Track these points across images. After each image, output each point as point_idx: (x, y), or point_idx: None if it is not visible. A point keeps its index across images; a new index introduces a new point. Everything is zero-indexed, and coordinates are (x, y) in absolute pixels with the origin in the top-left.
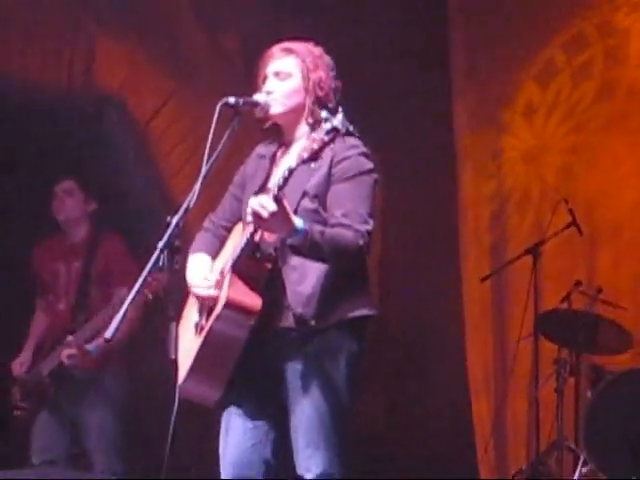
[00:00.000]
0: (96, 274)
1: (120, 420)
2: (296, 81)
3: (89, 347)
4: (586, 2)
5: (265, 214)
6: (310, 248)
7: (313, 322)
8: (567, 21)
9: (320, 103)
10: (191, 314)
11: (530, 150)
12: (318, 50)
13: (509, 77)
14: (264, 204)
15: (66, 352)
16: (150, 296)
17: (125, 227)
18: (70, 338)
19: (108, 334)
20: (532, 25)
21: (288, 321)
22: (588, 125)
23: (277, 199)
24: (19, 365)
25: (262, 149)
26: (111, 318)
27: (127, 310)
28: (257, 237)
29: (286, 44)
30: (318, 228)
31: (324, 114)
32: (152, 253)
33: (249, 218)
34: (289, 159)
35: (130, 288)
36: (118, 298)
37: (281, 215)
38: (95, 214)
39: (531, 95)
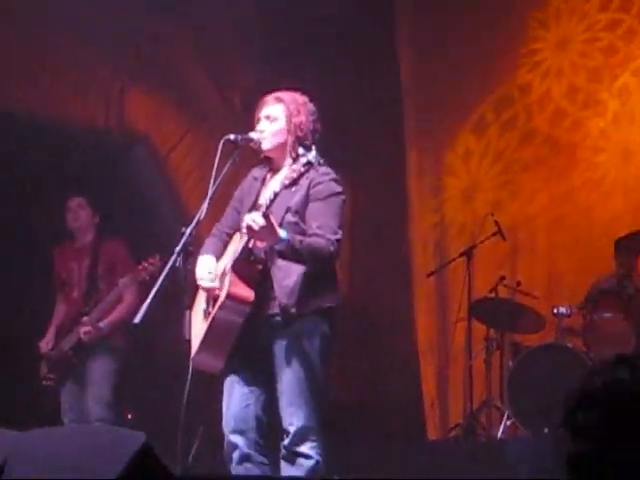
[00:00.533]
0: (102, 270)
1: (120, 375)
2: (281, 123)
3: (101, 324)
4: (510, 65)
5: (256, 227)
6: (292, 253)
7: (294, 310)
8: (497, 84)
9: (299, 141)
10: (200, 303)
11: (467, 188)
12: (303, 99)
13: (451, 129)
14: (255, 220)
15: (83, 329)
16: (147, 277)
17: (143, 235)
18: (85, 318)
19: (137, 319)
20: (469, 88)
21: (275, 309)
22: (512, 167)
23: (265, 216)
24: (45, 344)
25: (256, 172)
26: (115, 301)
27: (152, 298)
28: (251, 244)
29: (277, 93)
30: (298, 238)
31: (301, 151)
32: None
33: (244, 230)
34: (274, 183)
35: (130, 276)
36: (122, 284)
37: (268, 228)
38: (99, 224)
39: (468, 143)
